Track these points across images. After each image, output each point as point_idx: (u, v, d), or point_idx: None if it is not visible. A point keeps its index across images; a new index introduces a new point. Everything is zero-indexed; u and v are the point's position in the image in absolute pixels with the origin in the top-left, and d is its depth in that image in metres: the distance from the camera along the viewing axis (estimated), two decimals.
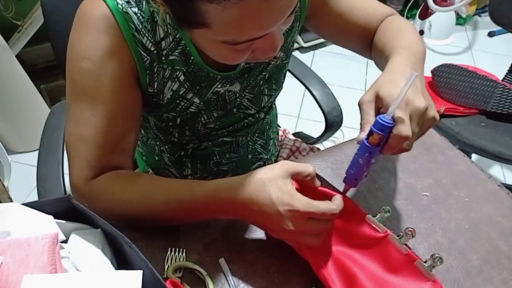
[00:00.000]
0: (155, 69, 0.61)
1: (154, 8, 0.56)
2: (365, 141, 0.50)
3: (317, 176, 0.56)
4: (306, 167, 0.53)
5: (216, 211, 0.55)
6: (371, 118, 0.51)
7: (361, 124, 0.52)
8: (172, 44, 0.60)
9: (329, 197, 0.55)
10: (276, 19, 0.46)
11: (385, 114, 0.49)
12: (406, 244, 0.53)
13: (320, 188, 0.56)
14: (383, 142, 0.50)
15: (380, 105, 0.52)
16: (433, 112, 0.51)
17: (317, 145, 1.01)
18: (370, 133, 0.50)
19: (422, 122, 0.51)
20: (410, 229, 0.51)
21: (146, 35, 0.58)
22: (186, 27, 0.49)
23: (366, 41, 0.72)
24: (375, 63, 0.72)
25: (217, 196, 0.53)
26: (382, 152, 0.51)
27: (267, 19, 0.45)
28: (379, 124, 0.48)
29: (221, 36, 0.47)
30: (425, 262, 0.51)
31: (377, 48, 0.68)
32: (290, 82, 1.08)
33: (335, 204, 0.52)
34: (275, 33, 0.50)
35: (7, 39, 1.53)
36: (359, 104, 0.53)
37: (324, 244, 0.56)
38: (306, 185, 0.55)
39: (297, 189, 0.53)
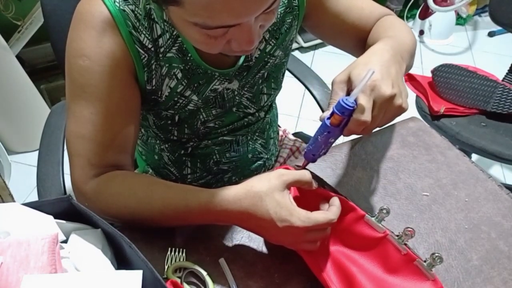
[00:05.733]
0: (153, 66, 0.61)
1: (151, 5, 0.57)
2: (326, 121, 0.51)
3: (315, 176, 0.56)
4: (302, 175, 0.53)
5: (212, 220, 0.55)
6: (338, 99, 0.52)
7: (329, 103, 0.53)
8: (169, 41, 0.60)
9: (327, 199, 0.55)
10: (249, 9, 0.45)
11: (348, 97, 0.49)
12: (405, 244, 0.53)
13: (318, 189, 0.55)
14: (343, 123, 0.50)
15: (350, 87, 0.52)
16: (400, 101, 0.51)
17: None
18: (333, 113, 0.50)
19: (387, 109, 0.51)
20: (409, 229, 0.51)
21: (144, 32, 0.58)
22: (161, 3, 0.48)
23: (361, 42, 0.72)
24: None
25: (212, 209, 0.52)
26: (343, 134, 0.52)
27: (239, 6, 0.43)
28: (340, 106, 0.49)
29: (193, 17, 0.46)
30: (425, 261, 0.51)
31: (369, 46, 0.68)
32: (290, 82, 1.08)
33: (333, 213, 0.51)
34: (251, 26, 0.48)
35: (7, 39, 1.53)
36: (332, 84, 0.54)
37: (323, 245, 0.56)
38: (303, 188, 0.55)
39: (295, 196, 0.53)
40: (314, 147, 0.54)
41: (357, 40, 0.73)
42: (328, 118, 0.51)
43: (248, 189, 0.51)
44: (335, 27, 0.72)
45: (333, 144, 0.56)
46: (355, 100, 0.49)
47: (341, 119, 0.50)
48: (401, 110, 0.52)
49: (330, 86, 1.05)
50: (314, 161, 0.56)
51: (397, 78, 0.52)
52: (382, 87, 0.49)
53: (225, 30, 0.48)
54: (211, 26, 0.47)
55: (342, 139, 0.60)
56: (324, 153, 0.55)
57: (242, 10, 0.44)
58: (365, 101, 0.49)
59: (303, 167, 0.57)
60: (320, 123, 0.52)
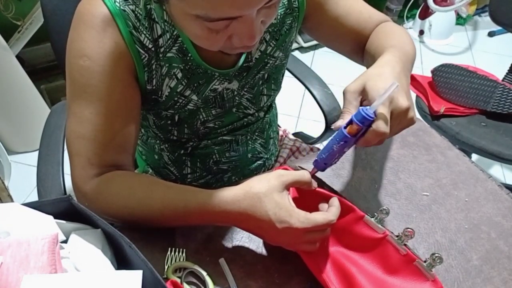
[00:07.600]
0: (153, 66, 0.61)
1: (151, 5, 0.57)
2: (343, 129, 0.50)
3: (315, 177, 0.56)
4: (301, 176, 0.53)
5: (211, 221, 0.55)
6: (352, 109, 0.52)
7: (342, 111, 0.53)
8: (169, 41, 0.60)
9: (326, 199, 0.55)
10: (251, 1, 0.45)
11: (368, 107, 0.49)
12: (405, 245, 0.53)
13: (317, 189, 0.55)
14: (359, 133, 0.50)
15: (364, 98, 0.52)
16: (412, 114, 0.52)
17: (317, 145, 1.01)
18: (350, 122, 0.50)
19: (400, 121, 0.51)
20: (409, 230, 0.51)
21: (144, 32, 0.58)
22: None
23: (359, 46, 0.73)
24: (367, 68, 0.72)
25: (211, 210, 0.52)
26: (357, 144, 0.52)
27: None
28: (361, 115, 0.49)
29: (194, 9, 0.46)
30: (425, 261, 0.51)
31: (369, 53, 0.69)
32: (290, 82, 1.08)
33: (332, 213, 0.52)
34: (253, 19, 0.48)
35: (7, 39, 1.53)
36: (344, 93, 0.54)
37: (323, 246, 0.56)
38: (302, 189, 0.55)
39: (294, 197, 0.53)
40: (328, 156, 0.53)
41: (354, 43, 0.73)
42: (345, 127, 0.50)
43: (247, 190, 0.51)
44: (334, 29, 0.73)
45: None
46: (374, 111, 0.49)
47: (359, 129, 0.49)
48: (412, 122, 0.53)
49: (330, 86, 1.06)
50: (323, 170, 0.55)
51: (408, 90, 0.53)
52: (399, 99, 0.50)
53: (226, 23, 0.48)
54: (213, 18, 0.47)
55: None
56: (335, 163, 0.55)
57: (244, 1, 0.44)
58: (385, 112, 0.49)
59: (312, 176, 0.55)
60: (332, 131, 0.52)
